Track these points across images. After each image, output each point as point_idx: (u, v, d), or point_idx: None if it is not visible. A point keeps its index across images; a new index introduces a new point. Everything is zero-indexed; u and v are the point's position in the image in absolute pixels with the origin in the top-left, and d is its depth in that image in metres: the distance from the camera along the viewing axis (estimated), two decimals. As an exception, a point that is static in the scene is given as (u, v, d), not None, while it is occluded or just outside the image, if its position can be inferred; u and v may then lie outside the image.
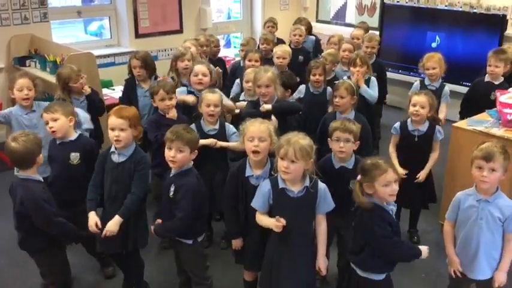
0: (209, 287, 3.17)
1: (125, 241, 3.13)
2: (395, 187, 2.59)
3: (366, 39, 5.46)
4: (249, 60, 4.73)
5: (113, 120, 3.00)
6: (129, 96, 4.39)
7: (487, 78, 4.59)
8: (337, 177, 3.04)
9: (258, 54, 4.80)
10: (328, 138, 3.15)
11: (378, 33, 6.77)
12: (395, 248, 2.64)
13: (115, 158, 3.07)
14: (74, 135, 3.31)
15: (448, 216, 2.93)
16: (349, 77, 4.69)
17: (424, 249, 2.70)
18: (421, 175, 3.74)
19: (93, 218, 3.03)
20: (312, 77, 4.43)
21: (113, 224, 2.98)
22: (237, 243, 3.00)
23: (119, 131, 2.98)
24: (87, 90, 4.16)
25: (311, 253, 2.79)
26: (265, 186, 2.72)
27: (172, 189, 2.89)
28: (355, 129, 3.11)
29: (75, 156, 3.24)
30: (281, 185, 2.68)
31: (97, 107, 4.25)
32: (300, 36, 5.87)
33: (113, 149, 3.09)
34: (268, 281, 2.81)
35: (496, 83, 4.51)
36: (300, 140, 2.63)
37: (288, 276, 2.73)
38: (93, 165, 3.17)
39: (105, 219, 3.12)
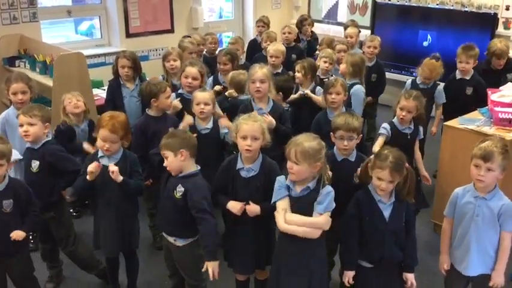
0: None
1: (122, 243, 3.20)
2: (384, 186, 2.67)
3: (367, 40, 5.43)
4: (219, 63, 4.61)
5: (106, 133, 2.99)
6: (114, 98, 4.32)
7: (458, 75, 4.70)
8: (339, 170, 3.05)
9: (226, 56, 4.61)
10: (331, 133, 3.14)
11: (370, 32, 6.79)
12: (343, 232, 2.81)
13: (105, 161, 3.07)
14: (39, 143, 3.20)
15: (446, 213, 2.93)
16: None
17: (349, 275, 2.79)
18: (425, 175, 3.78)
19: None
20: (296, 74, 4.44)
21: (118, 175, 2.97)
22: (232, 204, 2.89)
23: (110, 143, 3.00)
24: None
25: (319, 254, 2.76)
26: (279, 181, 2.72)
27: (179, 189, 2.85)
28: (358, 125, 3.11)
29: (35, 164, 3.18)
30: (287, 182, 2.70)
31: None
32: (290, 33, 5.86)
33: (101, 154, 3.09)
34: (277, 280, 2.77)
35: (468, 78, 4.65)
36: (305, 142, 2.63)
37: (290, 277, 2.71)
38: (55, 174, 3.19)
39: (101, 223, 3.16)
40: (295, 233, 2.63)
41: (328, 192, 2.66)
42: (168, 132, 3.02)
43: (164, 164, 2.89)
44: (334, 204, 2.67)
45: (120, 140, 3.05)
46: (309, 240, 2.65)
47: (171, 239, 2.99)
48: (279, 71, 4.86)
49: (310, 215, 2.64)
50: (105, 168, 3.04)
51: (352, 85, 4.37)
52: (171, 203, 2.89)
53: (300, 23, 6.49)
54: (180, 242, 2.97)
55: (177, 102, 3.89)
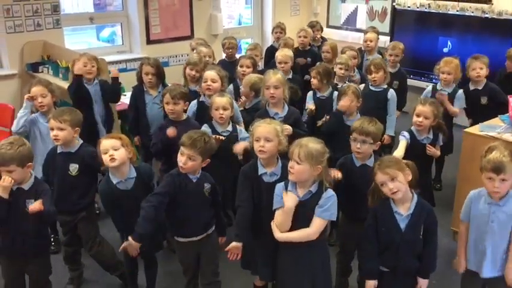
0: (220, 286, 3.19)
1: (142, 246, 3.15)
2: (391, 186, 2.63)
3: (389, 47, 5.35)
4: (241, 66, 4.66)
5: (104, 143, 3.00)
6: (137, 104, 4.39)
7: (472, 86, 4.64)
8: (358, 176, 3.06)
9: (250, 60, 4.69)
10: (350, 136, 3.16)
11: (389, 38, 6.77)
12: (363, 242, 2.81)
13: (122, 186, 3.07)
14: (75, 146, 3.28)
15: (462, 217, 2.93)
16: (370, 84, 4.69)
17: (371, 284, 2.75)
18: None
19: None
20: (312, 80, 4.45)
21: None
22: (234, 246, 2.87)
23: (112, 150, 2.96)
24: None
25: (320, 260, 2.76)
26: (278, 188, 2.73)
27: (206, 187, 3.00)
28: (374, 131, 3.10)
29: (74, 168, 3.24)
30: (289, 187, 2.69)
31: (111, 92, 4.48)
32: (305, 37, 5.87)
33: (117, 180, 3.05)
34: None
35: (480, 88, 4.62)
36: (310, 143, 2.64)
37: (292, 280, 2.73)
38: (94, 174, 3.22)
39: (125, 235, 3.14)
40: (291, 240, 2.65)
41: (330, 196, 2.65)
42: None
43: (179, 159, 2.90)
44: (336, 210, 2.67)
45: (122, 147, 2.99)
46: (307, 244, 2.65)
47: (204, 235, 3.05)
48: (290, 76, 4.84)
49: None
50: (119, 190, 3.05)
51: (387, 89, 4.55)
52: (201, 202, 2.99)
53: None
54: (210, 230, 3.09)
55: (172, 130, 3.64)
